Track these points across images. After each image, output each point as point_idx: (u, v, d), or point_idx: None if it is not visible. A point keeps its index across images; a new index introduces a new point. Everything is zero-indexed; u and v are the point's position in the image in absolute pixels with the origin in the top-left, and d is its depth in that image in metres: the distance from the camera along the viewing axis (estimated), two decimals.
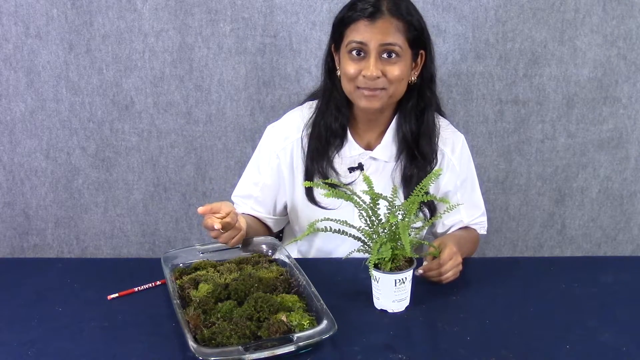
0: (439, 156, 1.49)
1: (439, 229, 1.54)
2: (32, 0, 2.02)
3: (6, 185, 2.23)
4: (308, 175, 1.48)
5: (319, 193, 1.48)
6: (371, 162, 1.48)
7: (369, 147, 1.49)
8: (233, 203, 1.54)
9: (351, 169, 1.48)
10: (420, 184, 1.22)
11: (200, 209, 1.23)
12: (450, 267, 1.25)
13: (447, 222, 1.53)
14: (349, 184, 1.45)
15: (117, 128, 2.16)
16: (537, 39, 2.07)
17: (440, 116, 1.52)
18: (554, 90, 2.12)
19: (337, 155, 1.48)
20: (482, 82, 2.12)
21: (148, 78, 2.11)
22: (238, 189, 1.56)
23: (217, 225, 1.22)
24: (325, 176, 1.46)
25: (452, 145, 1.50)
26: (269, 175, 1.51)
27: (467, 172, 1.53)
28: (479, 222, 1.57)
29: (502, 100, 2.14)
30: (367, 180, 1.21)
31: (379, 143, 1.47)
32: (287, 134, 1.50)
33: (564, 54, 2.08)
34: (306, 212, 1.51)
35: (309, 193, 1.49)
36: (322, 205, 1.48)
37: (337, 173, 1.47)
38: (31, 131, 2.16)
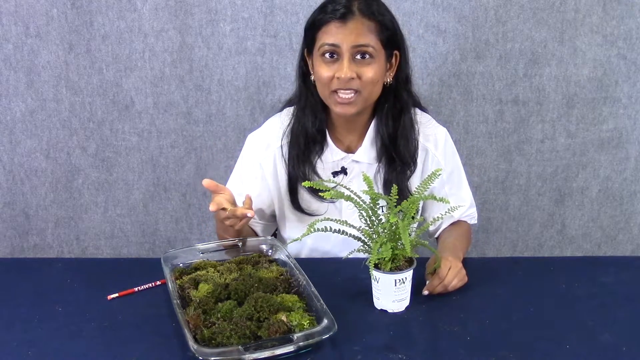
0: (422, 152, 1.49)
1: (431, 227, 1.54)
2: (32, 0, 2.02)
3: (6, 185, 2.23)
4: (292, 184, 1.47)
5: (305, 200, 1.48)
6: (354, 165, 1.48)
7: (350, 150, 1.48)
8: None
9: (335, 174, 1.48)
10: (420, 184, 1.22)
11: (206, 182, 1.26)
12: (452, 276, 1.24)
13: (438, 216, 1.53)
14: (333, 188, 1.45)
15: (117, 128, 2.16)
16: (537, 39, 2.07)
17: (422, 112, 1.52)
18: (554, 90, 2.12)
19: (319, 160, 1.47)
20: (482, 82, 2.12)
21: (148, 78, 2.11)
22: None
23: (227, 205, 1.25)
24: (309, 180, 1.45)
25: (434, 140, 1.50)
26: (252, 185, 1.50)
27: (452, 165, 1.53)
28: (469, 214, 1.57)
29: (502, 100, 2.14)
30: (367, 180, 1.21)
31: (360, 146, 1.47)
32: (269, 143, 1.49)
33: (564, 54, 2.08)
34: (292, 220, 1.51)
35: (294, 201, 1.48)
36: (308, 212, 1.48)
37: (320, 179, 1.46)
38: (31, 131, 2.16)
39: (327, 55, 1.34)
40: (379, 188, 1.47)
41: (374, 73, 1.34)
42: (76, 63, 2.09)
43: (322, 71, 1.34)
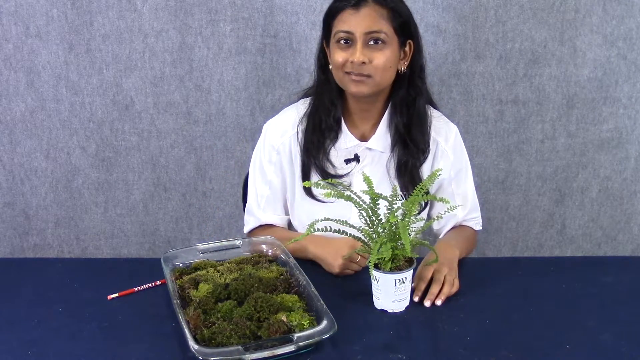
0: (433, 145, 1.51)
1: (435, 226, 1.55)
2: (32, 0, 2.02)
3: (6, 185, 2.23)
4: (305, 170, 1.49)
5: (319, 191, 1.49)
6: (367, 153, 1.50)
7: (364, 138, 1.51)
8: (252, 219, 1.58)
9: (347, 161, 1.49)
10: (420, 183, 1.22)
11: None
12: (435, 289, 1.23)
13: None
14: (345, 174, 1.47)
15: (117, 128, 2.16)
16: (537, 39, 2.07)
17: (432, 108, 1.54)
18: (554, 90, 2.12)
19: (332, 148, 1.49)
20: (482, 82, 2.12)
21: (148, 78, 2.11)
22: (251, 199, 1.57)
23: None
24: (322, 169, 1.47)
25: (445, 135, 1.52)
26: (272, 171, 1.53)
27: (460, 162, 1.54)
28: (473, 218, 1.57)
29: (502, 100, 2.14)
30: (367, 180, 1.21)
31: (374, 133, 1.49)
32: (285, 130, 1.52)
33: (564, 54, 2.08)
34: (304, 206, 1.52)
35: (307, 187, 1.49)
36: (320, 198, 1.49)
37: (333, 166, 1.48)
38: (31, 131, 2.16)
39: (341, 41, 1.38)
40: (390, 176, 1.48)
41: (385, 59, 1.37)
42: (76, 63, 2.09)
43: (337, 56, 1.38)
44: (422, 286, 1.24)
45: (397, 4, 1.40)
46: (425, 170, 1.50)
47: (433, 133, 1.50)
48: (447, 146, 1.51)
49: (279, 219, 1.56)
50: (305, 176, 1.50)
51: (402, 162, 1.48)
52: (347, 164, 1.49)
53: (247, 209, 1.59)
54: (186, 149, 2.19)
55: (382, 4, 1.37)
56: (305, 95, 1.55)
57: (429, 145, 1.49)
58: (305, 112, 1.50)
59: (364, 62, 1.35)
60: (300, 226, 1.55)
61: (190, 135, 2.17)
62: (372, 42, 1.36)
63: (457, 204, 1.48)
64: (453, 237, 1.50)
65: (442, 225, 1.54)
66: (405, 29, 1.41)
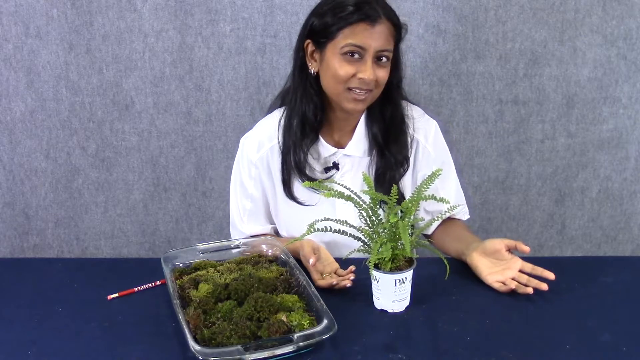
0: (413, 145, 1.50)
1: (421, 223, 1.54)
2: (32, 0, 2.02)
3: (6, 185, 2.23)
4: (285, 171, 1.47)
5: (298, 189, 1.49)
6: (346, 160, 1.49)
7: (340, 145, 1.50)
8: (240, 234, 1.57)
9: (327, 169, 1.48)
10: (421, 183, 1.22)
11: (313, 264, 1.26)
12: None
13: (430, 209, 1.54)
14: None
15: (117, 128, 2.16)
16: (537, 39, 2.07)
17: (413, 106, 1.53)
18: (554, 90, 2.12)
19: (310, 157, 1.47)
20: (482, 82, 2.12)
21: (148, 78, 2.11)
22: (234, 213, 1.56)
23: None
24: (301, 170, 1.45)
25: (424, 132, 1.51)
26: (252, 185, 1.52)
27: (442, 157, 1.54)
28: (460, 210, 1.57)
29: (502, 100, 2.14)
30: (367, 180, 1.21)
31: (350, 139, 1.48)
32: (261, 144, 1.50)
33: (564, 54, 2.08)
34: (287, 211, 1.52)
35: (287, 188, 1.49)
36: (300, 201, 1.49)
37: (312, 169, 1.47)
38: (31, 131, 2.16)
39: (349, 54, 1.34)
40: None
41: (387, 74, 1.38)
42: (76, 63, 2.09)
43: (342, 68, 1.35)
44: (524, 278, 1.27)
45: (399, 20, 1.38)
46: (407, 174, 1.50)
47: (413, 132, 1.50)
48: (428, 144, 1.51)
49: (262, 229, 1.56)
50: (286, 179, 1.48)
51: (380, 172, 1.47)
52: (327, 172, 1.48)
53: (231, 223, 1.58)
54: (186, 149, 2.19)
55: (391, 21, 1.35)
56: (277, 99, 1.54)
57: (408, 159, 1.49)
58: (281, 116, 1.48)
59: (374, 80, 1.34)
60: (288, 233, 1.55)
61: (190, 135, 2.17)
62: (378, 59, 1.35)
63: (452, 205, 1.48)
64: (475, 238, 1.48)
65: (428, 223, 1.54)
66: (399, 43, 1.41)
